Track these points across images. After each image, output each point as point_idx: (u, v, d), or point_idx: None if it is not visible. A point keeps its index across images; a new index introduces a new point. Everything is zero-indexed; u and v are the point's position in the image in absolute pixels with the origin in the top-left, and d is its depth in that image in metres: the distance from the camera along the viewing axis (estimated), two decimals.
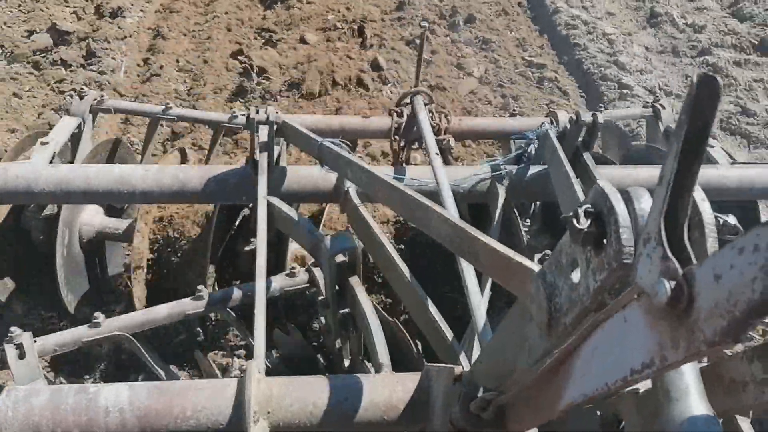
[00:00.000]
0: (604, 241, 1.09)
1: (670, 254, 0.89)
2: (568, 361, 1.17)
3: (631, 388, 1.62)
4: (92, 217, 3.66)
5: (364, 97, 5.52)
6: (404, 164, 3.38)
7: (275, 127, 2.97)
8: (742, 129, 5.98)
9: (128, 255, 3.68)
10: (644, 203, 1.03)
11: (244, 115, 3.19)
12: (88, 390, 1.90)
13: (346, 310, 2.56)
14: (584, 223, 1.10)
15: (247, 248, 3.55)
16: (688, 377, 1.13)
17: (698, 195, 1.31)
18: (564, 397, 1.18)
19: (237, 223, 3.73)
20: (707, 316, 0.81)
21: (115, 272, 4.03)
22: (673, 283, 0.87)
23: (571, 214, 1.12)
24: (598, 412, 1.66)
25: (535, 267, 1.42)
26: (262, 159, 2.92)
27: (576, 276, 1.24)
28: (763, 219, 3.94)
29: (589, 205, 1.12)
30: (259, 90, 5.67)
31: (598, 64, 6.81)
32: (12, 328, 2.33)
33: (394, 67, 6.11)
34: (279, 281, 2.84)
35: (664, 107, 3.94)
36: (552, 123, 3.24)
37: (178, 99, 5.56)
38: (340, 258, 2.41)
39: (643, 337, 0.94)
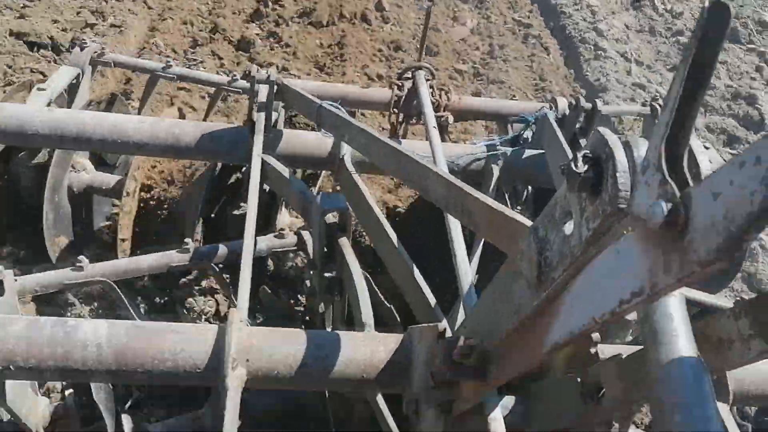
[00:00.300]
0: (601, 188, 1.08)
1: (668, 178, 0.88)
2: (555, 302, 1.15)
3: (613, 354, 1.62)
4: (82, 169, 3.62)
5: (366, 31, 5.97)
6: (401, 138, 3.37)
7: (275, 88, 2.95)
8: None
9: (116, 208, 3.65)
10: (643, 150, 1.02)
11: (247, 72, 3.16)
12: (67, 323, 1.87)
13: (333, 273, 2.54)
14: (582, 168, 1.08)
15: (236, 212, 3.53)
16: (677, 322, 1.12)
17: (697, 146, 1.30)
18: (549, 338, 1.17)
19: (229, 185, 3.70)
20: (703, 235, 0.80)
21: (102, 225, 3.99)
22: (669, 205, 0.86)
23: (569, 160, 1.11)
24: (579, 379, 1.65)
25: (528, 223, 1.41)
26: (259, 118, 2.89)
27: (569, 228, 1.23)
28: None
29: (588, 151, 1.10)
30: (274, 15, 6.04)
31: (580, 29, 7.51)
32: None
33: (395, 11, 6.69)
34: (267, 241, 2.82)
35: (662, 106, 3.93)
36: (551, 108, 3.23)
37: (199, 16, 5.94)
38: (330, 218, 2.39)
39: (634, 265, 0.93)
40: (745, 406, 2.64)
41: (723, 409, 2.09)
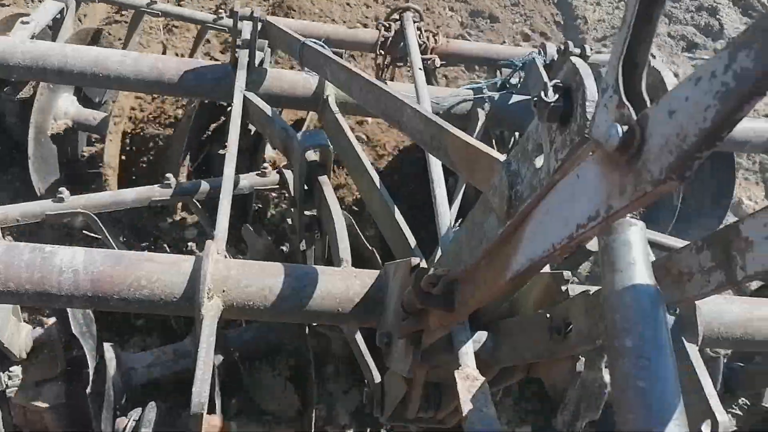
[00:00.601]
0: (570, 118, 1.08)
1: (625, 100, 0.88)
2: (518, 230, 1.17)
3: (582, 289, 1.64)
4: (67, 105, 3.58)
5: None
6: (387, 81, 3.34)
7: (258, 25, 2.90)
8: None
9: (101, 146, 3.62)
10: None
11: (230, 8, 3.10)
12: (44, 249, 1.88)
13: (313, 211, 2.55)
14: (552, 97, 1.08)
15: (221, 151, 3.51)
16: (636, 251, 1.14)
17: (661, 67, 1.30)
18: (511, 266, 1.18)
19: (214, 127, 3.68)
20: (656, 156, 0.80)
21: (88, 165, 3.97)
22: (625, 127, 0.86)
23: (540, 90, 1.10)
24: (548, 316, 1.68)
25: (502, 157, 1.41)
26: (242, 55, 2.86)
27: (540, 161, 1.24)
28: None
29: (559, 81, 1.10)
30: None
31: None
32: None
33: None
34: (249, 179, 2.82)
35: (654, 57, 3.91)
36: (540, 53, 3.20)
37: None
38: (311, 156, 2.38)
39: (591, 189, 0.94)
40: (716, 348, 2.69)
41: (692, 350, 2.13)
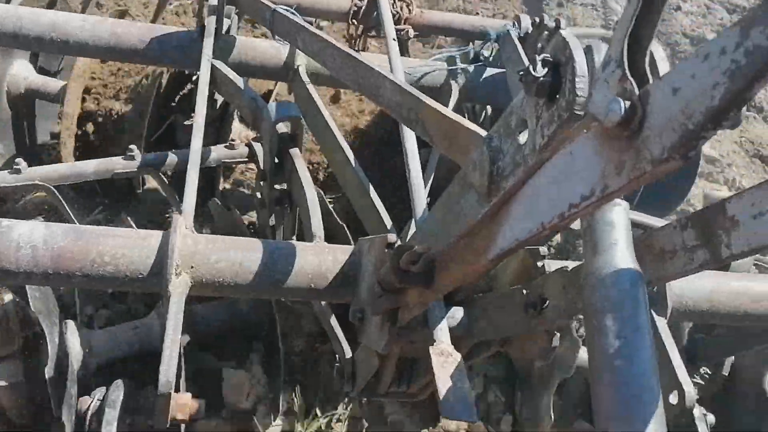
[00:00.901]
0: (558, 93, 1.04)
1: (629, 75, 0.85)
2: (503, 209, 1.13)
3: (560, 266, 1.63)
4: (23, 71, 3.43)
5: None
6: (360, 52, 3.26)
7: None
8: None
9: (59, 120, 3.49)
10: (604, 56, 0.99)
11: None
12: (1, 223, 1.79)
13: (284, 186, 2.49)
14: (540, 72, 1.04)
15: (187, 123, 3.41)
16: (618, 231, 1.12)
17: (658, 53, 1.27)
18: (495, 244, 1.15)
19: (178, 97, 3.56)
20: (658, 133, 0.77)
21: (45, 139, 3.83)
22: (627, 102, 0.83)
23: (528, 64, 1.06)
24: (525, 291, 1.66)
25: (483, 132, 1.37)
26: (209, 22, 2.76)
27: (523, 137, 1.20)
28: None
29: (548, 55, 1.06)
30: None
31: None
32: None
33: None
34: (218, 151, 2.74)
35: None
36: (514, 25, 3.15)
37: None
38: (281, 128, 2.32)
39: (587, 166, 0.91)
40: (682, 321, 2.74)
41: (660, 322, 2.15)
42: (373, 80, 1.88)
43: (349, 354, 2.30)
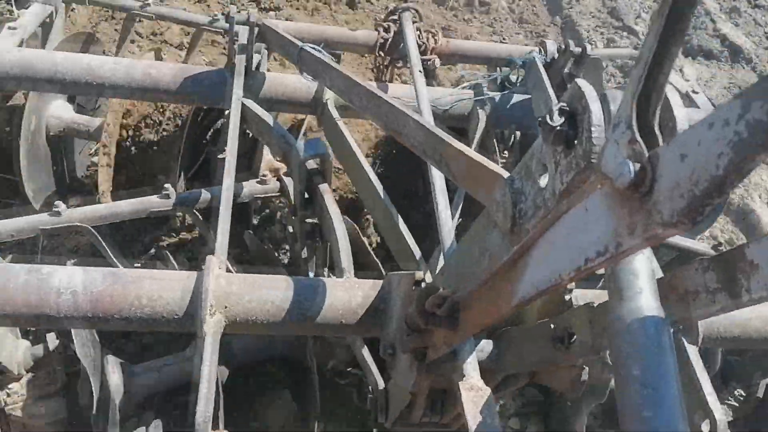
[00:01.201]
0: (576, 141, 1.06)
1: (638, 137, 0.86)
2: (524, 257, 1.15)
3: (587, 301, 1.63)
4: (60, 111, 3.54)
5: None
6: (387, 83, 3.31)
7: (255, 29, 2.87)
8: None
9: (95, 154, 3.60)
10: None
11: (225, 12, 3.06)
12: (41, 270, 1.86)
13: (314, 220, 2.53)
14: (557, 121, 1.06)
15: (220, 156, 3.47)
16: (643, 279, 1.12)
17: (673, 98, 1.27)
18: (517, 292, 1.17)
19: (212, 131, 3.64)
20: (667, 197, 0.78)
21: (83, 173, 3.94)
22: (637, 165, 0.84)
23: (545, 113, 1.09)
24: (552, 326, 1.67)
25: (505, 174, 1.39)
26: (239, 61, 2.83)
27: (544, 180, 1.22)
28: None
29: (564, 104, 1.08)
30: None
31: None
32: None
33: None
34: (249, 187, 2.80)
35: None
36: (540, 51, 3.17)
37: None
38: (310, 164, 2.36)
39: (600, 224, 0.92)
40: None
41: (692, 351, 2.13)
42: (397, 118, 1.91)
43: (381, 385, 2.33)
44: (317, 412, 2.81)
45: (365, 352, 2.47)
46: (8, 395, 2.33)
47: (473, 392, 1.66)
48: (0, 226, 2.43)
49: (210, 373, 1.80)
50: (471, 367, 1.74)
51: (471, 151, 1.54)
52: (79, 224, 2.49)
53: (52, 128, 3.52)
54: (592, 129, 1.00)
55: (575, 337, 1.57)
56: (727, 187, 0.71)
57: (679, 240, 2.84)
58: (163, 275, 1.96)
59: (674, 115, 1.33)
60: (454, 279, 1.56)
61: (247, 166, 3.33)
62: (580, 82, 1.06)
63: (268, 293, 1.94)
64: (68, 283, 1.84)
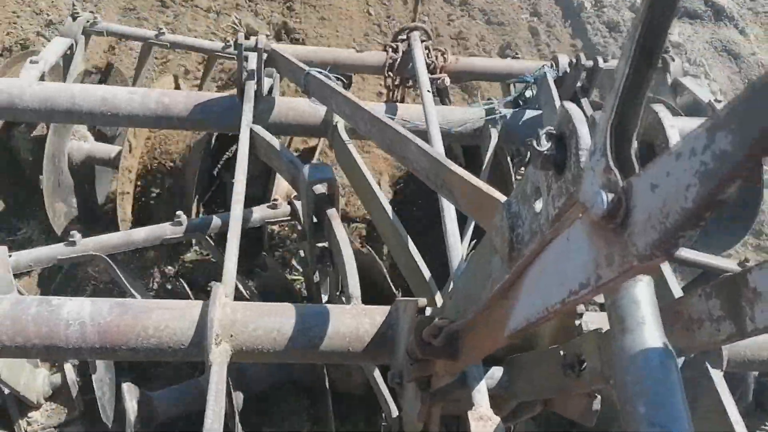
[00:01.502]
0: (565, 166, 1.04)
1: (612, 166, 0.84)
2: (515, 286, 1.12)
3: (597, 326, 1.59)
4: (82, 141, 3.61)
5: None
6: (397, 102, 3.30)
7: (264, 55, 2.89)
8: None
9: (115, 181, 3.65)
10: None
11: (234, 40, 3.09)
12: (51, 302, 1.88)
13: (325, 243, 2.53)
14: (545, 146, 1.04)
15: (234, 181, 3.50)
16: (645, 309, 1.08)
17: (667, 120, 1.24)
18: (509, 322, 1.14)
19: (225, 157, 3.68)
20: (641, 230, 0.76)
21: (104, 200, 4.00)
22: (611, 195, 0.81)
23: (533, 137, 1.06)
24: (562, 353, 1.63)
25: (502, 198, 1.37)
26: (248, 87, 2.85)
27: (539, 205, 1.20)
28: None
29: (552, 128, 1.06)
30: None
31: None
32: None
33: None
34: (260, 212, 2.81)
35: (674, 59, 3.81)
36: (552, 66, 3.13)
37: None
38: (318, 189, 2.36)
39: (582, 254, 0.89)
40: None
41: (716, 375, 2.06)
42: (401, 143, 1.90)
43: (395, 413, 2.30)
44: None
45: (379, 378, 2.44)
46: (28, 424, 2.36)
47: (482, 422, 1.63)
48: (18, 258, 2.46)
49: (216, 403, 1.79)
50: (480, 395, 1.71)
51: (470, 177, 1.53)
52: (94, 253, 2.52)
53: (75, 156, 3.59)
54: (581, 153, 0.97)
55: (585, 364, 1.53)
56: (699, 220, 0.68)
57: (703, 257, 2.77)
58: (171, 305, 1.97)
59: (668, 135, 1.30)
60: (462, 303, 1.54)
61: (263, 191, 3.35)
62: (567, 104, 1.04)
63: (274, 321, 1.94)
64: (77, 314, 1.85)
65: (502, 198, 1.36)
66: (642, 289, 1.15)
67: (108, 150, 3.67)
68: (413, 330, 1.48)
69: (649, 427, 0.98)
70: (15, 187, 3.67)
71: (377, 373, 2.43)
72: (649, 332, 1.09)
